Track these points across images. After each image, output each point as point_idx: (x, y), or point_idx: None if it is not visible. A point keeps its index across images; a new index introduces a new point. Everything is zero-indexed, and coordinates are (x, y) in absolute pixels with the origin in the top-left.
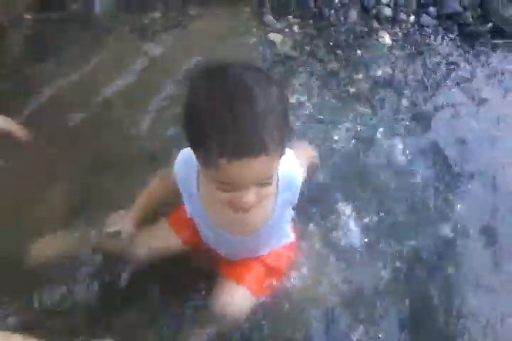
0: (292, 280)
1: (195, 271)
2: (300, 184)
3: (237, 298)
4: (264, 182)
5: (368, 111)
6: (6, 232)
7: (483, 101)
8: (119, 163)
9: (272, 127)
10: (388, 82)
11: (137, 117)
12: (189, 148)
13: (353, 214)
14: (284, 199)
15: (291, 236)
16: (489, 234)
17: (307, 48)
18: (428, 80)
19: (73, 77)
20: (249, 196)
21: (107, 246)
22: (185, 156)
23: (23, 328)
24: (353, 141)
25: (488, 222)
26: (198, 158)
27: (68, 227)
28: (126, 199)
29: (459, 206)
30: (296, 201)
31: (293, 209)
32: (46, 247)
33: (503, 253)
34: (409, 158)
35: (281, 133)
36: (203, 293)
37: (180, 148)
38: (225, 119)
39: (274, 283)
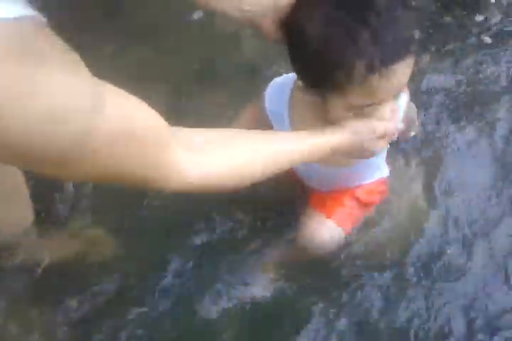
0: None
1: (284, 199)
2: (402, 109)
3: (325, 231)
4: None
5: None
6: None
7: None
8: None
9: (406, 24)
10: None
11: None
12: (282, 76)
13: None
14: None
15: (384, 170)
16: None
17: None
18: None
19: None
20: (388, 110)
21: None
22: (279, 83)
23: None
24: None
25: None
26: (327, 90)
27: None
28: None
29: None
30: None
31: None
32: None
33: None
34: None
35: (415, 30)
36: (291, 222)
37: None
38: (360, 33)
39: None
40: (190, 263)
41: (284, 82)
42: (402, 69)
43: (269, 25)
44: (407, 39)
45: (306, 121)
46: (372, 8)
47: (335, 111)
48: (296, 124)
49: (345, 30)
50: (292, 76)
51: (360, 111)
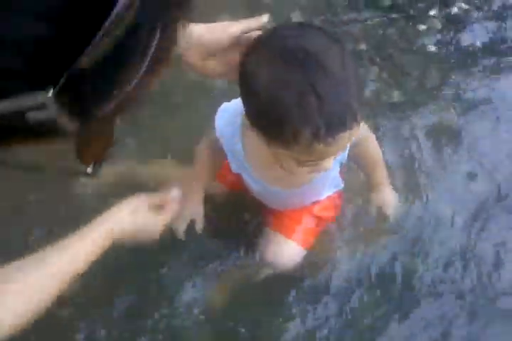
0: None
1: (241, 218)
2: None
3: (287, 253)
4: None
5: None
6: None
7: None
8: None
9: (354, 91)
10: (462, 20)
11: None
12: (230, 103)
13: None
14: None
15: (339, 184)
16: None
17: None
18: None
19: None
20: (331, 162)
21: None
22: (228, 112)
23: None
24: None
25: None
26: (276, 143)
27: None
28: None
29: None
30: (345, 158)
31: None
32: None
33: None
34: None
35: (361, 93)
36: (250, 242)
37: None
38: (308, 101)
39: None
40: (153, 285)
41: (233, 110)
42: (348, 135)
43: (193, 59)
44: (354, 108)
45: (261, 153)
46: (323, 70)
47: (278, 157)
48: (250, 157)
49: (294, 94)
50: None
51: (304, 163)
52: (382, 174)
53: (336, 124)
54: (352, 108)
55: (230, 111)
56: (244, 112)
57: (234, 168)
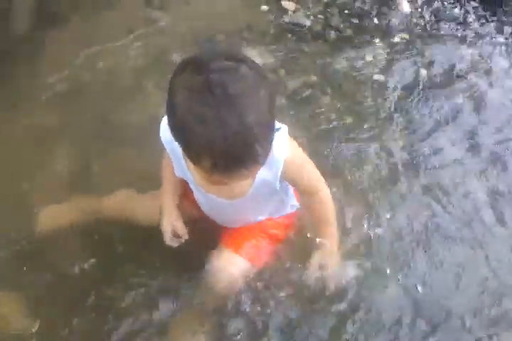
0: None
1: (197, 242)
2: (281, 167)
3: (231, 265)
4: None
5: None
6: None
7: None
8: (124, 132)
9: (262, 137)
10: (405, 49)
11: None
12: None
13: None
14: (262, 179)
15: (295, 205)
16: None
17: (321, 17)
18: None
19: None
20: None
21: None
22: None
23: None
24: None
25: None
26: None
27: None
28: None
29: None
30: (277, 182)
31: None
32: (54, 215)
33: None
34: None
35: (270, 141)
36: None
37: None
38: (215, 137)
39: (274, 250)
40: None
41: None
42: (247, 172)
43: None
44: (256, 151)
45: None
46: (238, 113)
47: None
48: (190, 165)
49: (204, 126)
50: None
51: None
52: (331, 233)
53: (234, 162)
54: (254, 151)
55: None
56: None
57: (177, 172)
